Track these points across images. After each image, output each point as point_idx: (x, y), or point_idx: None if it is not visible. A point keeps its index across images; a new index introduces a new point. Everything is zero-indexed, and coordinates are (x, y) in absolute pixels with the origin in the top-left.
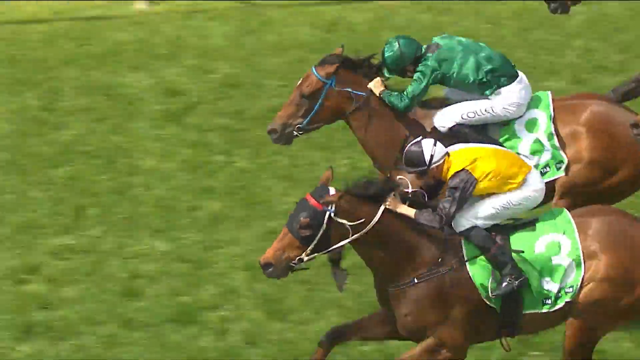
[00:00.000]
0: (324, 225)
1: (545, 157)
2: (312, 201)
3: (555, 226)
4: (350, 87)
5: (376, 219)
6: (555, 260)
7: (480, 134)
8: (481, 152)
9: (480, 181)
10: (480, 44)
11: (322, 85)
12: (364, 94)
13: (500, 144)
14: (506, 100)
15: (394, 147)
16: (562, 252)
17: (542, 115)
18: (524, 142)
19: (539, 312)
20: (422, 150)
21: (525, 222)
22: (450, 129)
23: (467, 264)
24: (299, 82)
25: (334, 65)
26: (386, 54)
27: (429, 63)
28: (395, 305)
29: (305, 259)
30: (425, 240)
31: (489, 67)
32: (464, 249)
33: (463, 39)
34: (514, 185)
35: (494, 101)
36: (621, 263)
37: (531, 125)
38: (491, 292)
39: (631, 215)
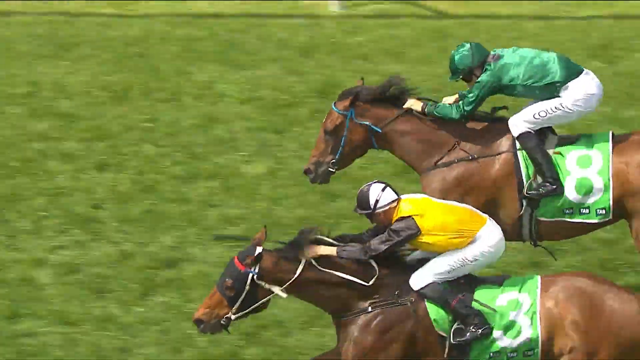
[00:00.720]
0: (247, 287)
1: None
2: (237, 262)
3: (521, 285)
4: (369, 121)
5: (296, 275)
6: (512, 317)
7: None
8: (432, 205)
9: (424, 234)
10: (538, 50)
11: (342, 118)
12: (379, 130)
13: None
14: (575, 94)
15: (431, 156)
16: (521, 310)
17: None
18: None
19: None
20: (369, 194)
21: (494, 278)
22: (522, 133)
23: (425, 302)
24: (324, 119)
25: (349, 98)
26: (456, 55)
27: (488, 73)
28: (342, 332)
29: (233, 317)
30: (368, 273)
31: (552, 69)
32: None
33: (521, 48)
34: (465, 241)
35: (563, 97)
36: (580, 327)
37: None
38: (453, 338)
39: (607, 282)
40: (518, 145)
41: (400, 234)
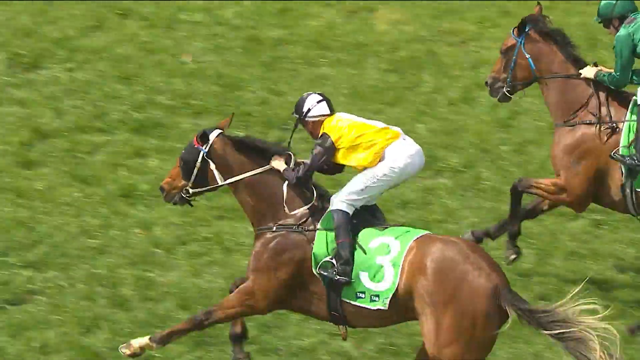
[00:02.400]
0: (198, 164)
1: None
2: (195, 140)
3: (399, 234)
4: (530, 56)
5: (247, 175)
6: (379, 261)
7: None
8: (352, 122)
9: (340, 150)
10: None
11: (514, 42)
12: (534, 74)
13: None
14: None
15: (564, 113)
16: (387, 257)
17: None
18: None
19: (353, 303)
20: (305, 101)
21: (384, 225)
22: None
23: (317, 232)
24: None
25: (523, 23)
26: (602, 1)
27: (621, 35)
28: (254, 244)
29: (191, 191)
30: (297, 200)
31: None
32: (322, 219)
33: None
34: (376, 158)
35: None
36: (430, 290)
37: None
38: (317, 267)
39: (478, 250)
40: (630, 115)
41: (318, 153)
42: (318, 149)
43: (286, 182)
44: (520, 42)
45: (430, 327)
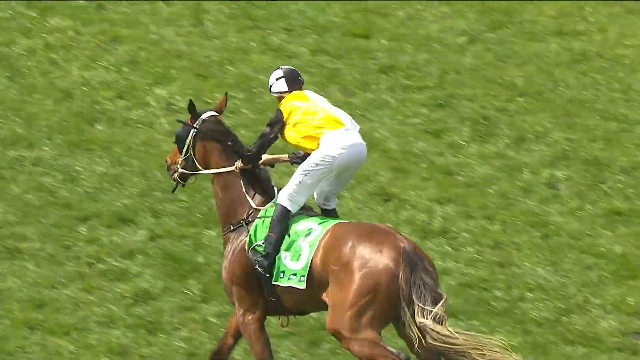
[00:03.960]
0: (188, 141)
1: None
2: (190, 120)
3: (324, 220)
4: None
5: (228, 169)
6: (300, 242)
7: None
8: (307, 102)
9: (287, 128)
10: None
11: None
12: None
13: None
14: None
15: None
16: (307, 238)
17: None
18: None
19: (280, 285)
20: (269, 77)
21: (315, 214)
22: None
23: (256, 219)
24: None
25: None
26: None
27: None
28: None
29: (179, 169)
30: (250, 197)
31: None
32: (265, 208)
33: None
34: (314, 143)
35: None
36: (333, 272)
37: None
38: (249, 250)
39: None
40: None
41: (266, 129)
42: (267, 124)
43: (243, 181)
44: None
45: (333, 290)
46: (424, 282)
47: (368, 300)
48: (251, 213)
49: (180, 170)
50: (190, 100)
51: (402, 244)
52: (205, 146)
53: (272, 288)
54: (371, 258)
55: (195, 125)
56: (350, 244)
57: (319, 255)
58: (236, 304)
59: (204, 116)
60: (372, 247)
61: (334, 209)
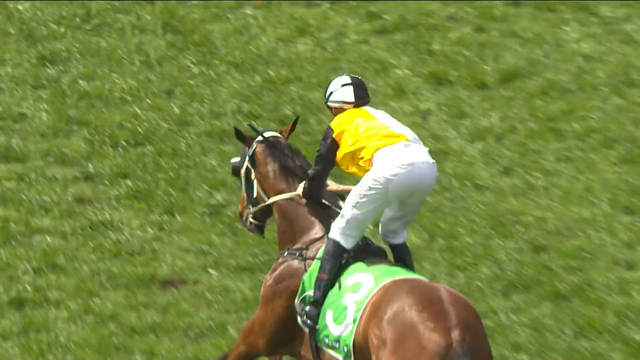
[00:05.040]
0: (242, 171)
1: None
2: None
3: (382, 272)
4: None
5: (286, 196)
6: (345, 300)
7: None
8: (359, 120)
9: (341, 150)
10: None
11: None
12: None
13: None
14: None
15: None
16: (355, 295)
17: None
18: None
19: (324, 350)
20: (331, 83)
21: (369, 261)
22: None
23: (315, 260)
24: None
25: None
26: None
27: None
28: None
29: (251, 210)
30: (317, 225)
31: None
32: (323, 248)
33: None
34: (366, 164)
35: None
36: (385, 333)
37: None
38: (298, 299)
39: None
40: None
41: (321, 150)
42: (320, 147)
43: (307, 205)
44: None
45: None
46: None
47: None
48: (309, 245)
49: (251, 210)
50: (235, 128)
51: (454, 337)
52: (265, 167)
53: (317, 350)
54: (423, 335)
55: (249, 151)
56: (397, 311)
57: (365, 319)
58: (254, 319)
59: (259, 139)
60: (427, 321)
61: (403, 243)
